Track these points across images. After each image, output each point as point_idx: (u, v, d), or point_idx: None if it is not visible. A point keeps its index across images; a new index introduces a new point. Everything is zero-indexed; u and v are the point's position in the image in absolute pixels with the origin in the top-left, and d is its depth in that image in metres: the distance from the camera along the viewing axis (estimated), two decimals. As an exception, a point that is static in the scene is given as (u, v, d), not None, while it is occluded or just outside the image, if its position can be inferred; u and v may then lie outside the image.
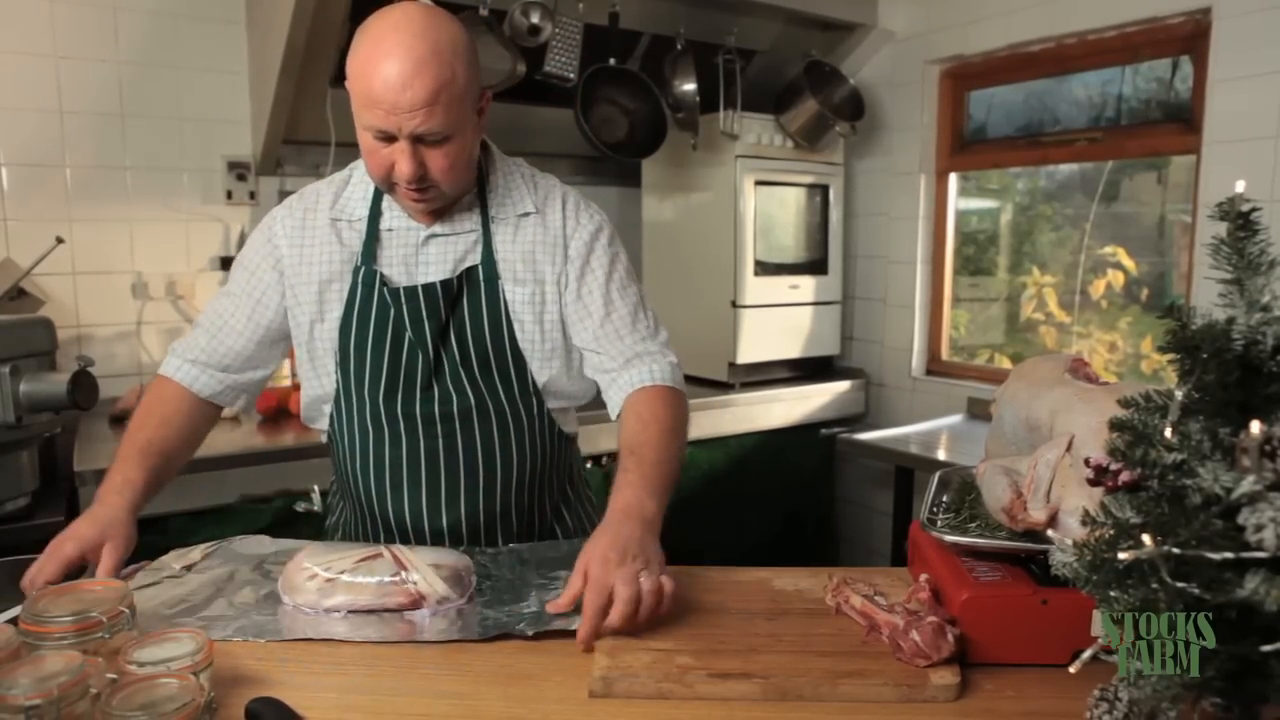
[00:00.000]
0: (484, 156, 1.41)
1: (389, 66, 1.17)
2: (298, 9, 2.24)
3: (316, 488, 2.12)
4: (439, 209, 1.35)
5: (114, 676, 0.83)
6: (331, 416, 1.43)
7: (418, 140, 1.21)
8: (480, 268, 1.36)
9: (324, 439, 1.48)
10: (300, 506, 2.11)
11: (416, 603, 1.14)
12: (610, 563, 1.08)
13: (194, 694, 0.79)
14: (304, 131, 2.71)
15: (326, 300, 1.36)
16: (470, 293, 1.36)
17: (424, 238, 1.36)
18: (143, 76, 2.59)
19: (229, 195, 2.74)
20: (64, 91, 2.49)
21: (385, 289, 1.34)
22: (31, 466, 1.91)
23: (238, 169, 2.74)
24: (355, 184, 1.40)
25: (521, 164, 1.46)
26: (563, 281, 1.39)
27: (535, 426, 1.43)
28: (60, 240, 2.31)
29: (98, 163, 2.56)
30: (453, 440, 1.38)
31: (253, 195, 2.77)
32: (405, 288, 1.34)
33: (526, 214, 1.39)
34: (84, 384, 1.79)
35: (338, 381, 1.39)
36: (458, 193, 1.33)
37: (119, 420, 2.36)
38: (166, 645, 0.88)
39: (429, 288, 1.34)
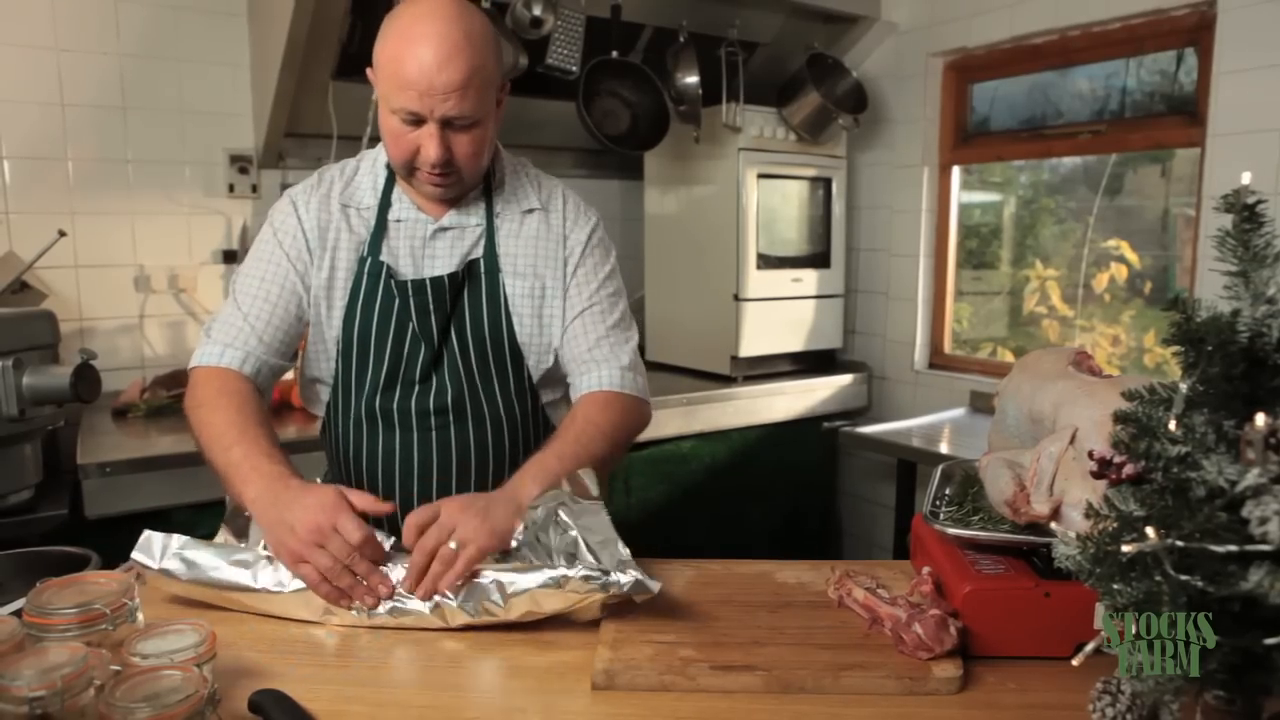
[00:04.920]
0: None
1: (424, 50, 1.19)
2: (299, 2, 2.24)
3: (319, 479, 2.12)
4: (451, 199, 1.37)
5: (117, 668, 0.83)
6: (329, 406, 1.44)
7: (446, 124, 1.24)
8: (482, 261, 1.38)
9: (319, 428, 1.49)
10: (303, 499, 2.12)
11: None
12: (464, 510, 1.13)
13: (197, 686, 0.79)
14: (306, 124, 2.71)
15: (334, 286, 1.37)
16: (471, 285, 1.38)
17: (432, 230, 1.37)
18: (144, 69, 2.59)
19: (231, 188, 2.73)
20: (65, 84, 2.49)
21: (394, 280, 1.34)
22: (34, 460, 1.91)
23: (239, 162, 2.73)
24: (364, 173, 1.41)
25: (525, 162, 1.49)
26: (561, 276, 1.42)
27: (529, 421, 1.44)
28: (62, 233, 2.31)
29: (99, 156, 2.56)
30: (446, 433, 1.39)
31: (254, 188, 2.76)
32: (414, 280, 1.34)
33: (530, 210, 1.42)
34: (87, 377, 1.79)
35: (337, 369, 1.39)
36: (474, 181, 1.36)
37: (121, 413, 2.36)
38: (170, 637, 0.88)
39: (437, 281, 1.35)
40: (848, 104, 3.02)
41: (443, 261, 1.38)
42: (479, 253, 1.39)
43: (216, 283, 2.77)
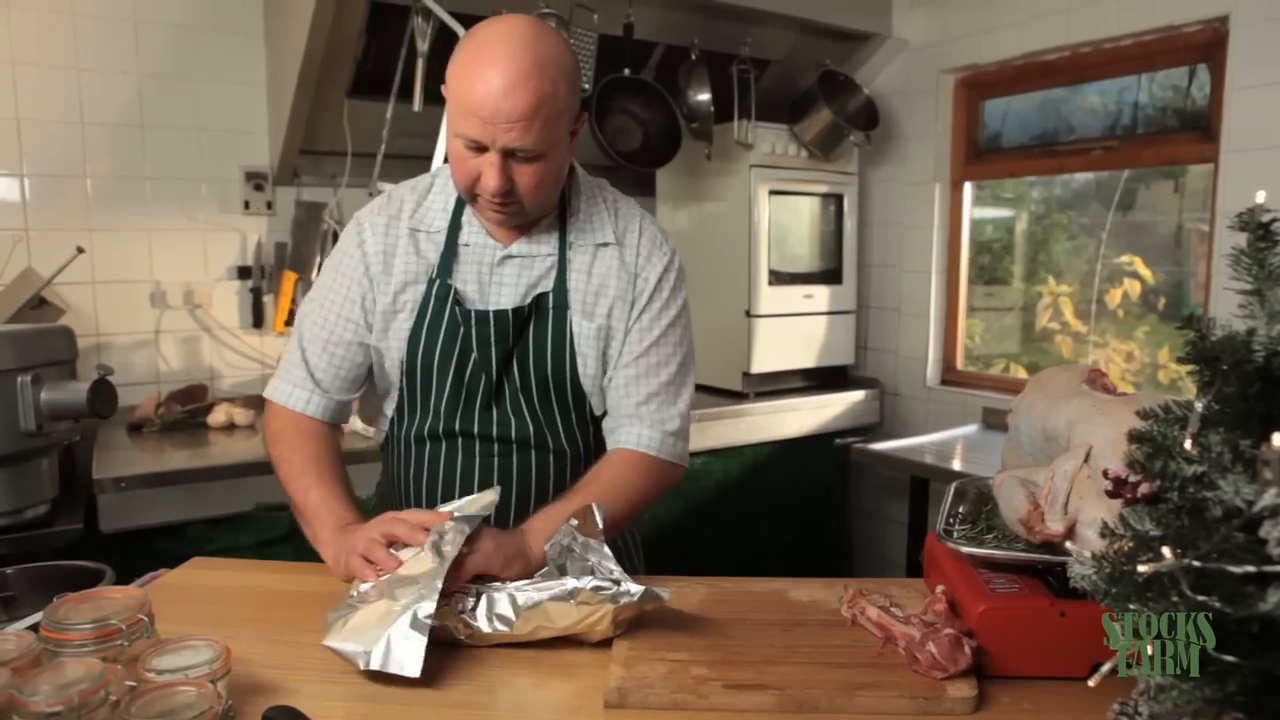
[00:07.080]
0: (568, 178, 1.37)
1: (491, 75, 1.14)
2: (315, 21, 2.26)
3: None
4: (518, 226, 1.33)
5: (133, 684, 0.83)
6: (393, 421, 1.43)
7: (509, 154, 1.18)
8: (551, 295, 1.34)
9: (380, 441, 1.49)
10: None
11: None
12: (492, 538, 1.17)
13: (211, 702, 0.79)
14: (321, 142, 2.74)
15: (399, 308, 1.34)
16: (538, 321, 1.34)
17: (500, 257, 1.34)
18: (162, 88, 2.62)
19: (246, 205, 2.76)
20: (86, 103, 2.52)
21: (458, 308, 1.32)
22: (51, 474, 1.92)
23: (255, 179, 2.76)
24: (436, 194, 1.37)
25: (605, 186, 1.43)
26: (626, 316, 1.36)
27: (591, 453, 1.41)
28: (81, 250, 2.34)
29: (118, 173, 2.59)
30: (508, 461, 1.37)
31: (270, 205, 2.79)
32: (478, 311, 1.31)
33: (605, 244, 1.36)
34: (103, 392, 1.80)
35: (402, 389, 1.38)
36: (540, 212, 1.31)
37: (136, 428, 2.38)
38: (184, 653, 0.89)
39: (500, 314, 1.31)
40: (859, 120, 3.03)
41: (509, 290, 1.34)
42: (548, 286, 1.34)
43: (231, 299, 2.79)
